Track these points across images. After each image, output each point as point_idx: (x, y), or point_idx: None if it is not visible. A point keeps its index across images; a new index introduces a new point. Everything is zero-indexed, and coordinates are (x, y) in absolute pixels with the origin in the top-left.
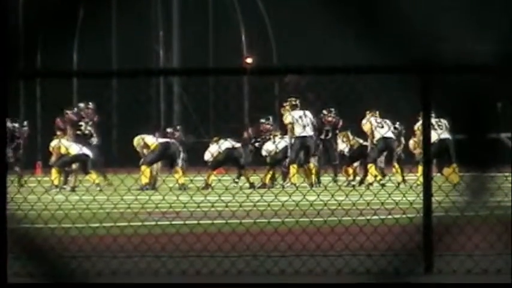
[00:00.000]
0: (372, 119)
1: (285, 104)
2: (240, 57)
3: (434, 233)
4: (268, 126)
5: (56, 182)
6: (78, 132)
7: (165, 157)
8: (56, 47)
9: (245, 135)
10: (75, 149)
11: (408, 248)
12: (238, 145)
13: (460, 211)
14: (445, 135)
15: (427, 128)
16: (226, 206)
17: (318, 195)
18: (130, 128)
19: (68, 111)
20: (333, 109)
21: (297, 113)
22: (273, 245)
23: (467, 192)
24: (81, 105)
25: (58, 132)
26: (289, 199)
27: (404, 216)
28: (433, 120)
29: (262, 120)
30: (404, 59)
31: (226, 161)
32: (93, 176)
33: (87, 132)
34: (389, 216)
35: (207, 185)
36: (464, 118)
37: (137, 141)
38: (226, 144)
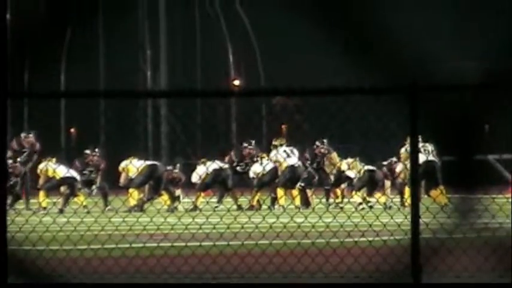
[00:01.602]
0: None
1: (274, 143)
2: (227, 78)
3: (422, 255)
4: (250, 151)
5: (43, 205)
6: (83, 177)
7: (153, 179)
8: (44, 68)
9: (226, 159)
10: (62, 171)
11: (396, 269)
12: (225, 166)
13: (448, 233)
14: (431, 158)
15: (415, 149)
16: (214, 228)
17: (306, 217)
18: (117, 150)
19: (27, 135)
20: (325, 140)
21: (282, 149)
22: (261, 266)
23: (455, 214)
24: (87, 151)
25: (9, 153)
26: (277, 221)
27: (392, 238)
28: (419, 145)
29: (245, 145)
30: (393, 80)
31: (214, 182)
32: (81, 198)
33: (91, 178)
34: (377, 238)
35: (195, 207)
36: (452, 139)
37: (124, 167)
38: (213, 165)
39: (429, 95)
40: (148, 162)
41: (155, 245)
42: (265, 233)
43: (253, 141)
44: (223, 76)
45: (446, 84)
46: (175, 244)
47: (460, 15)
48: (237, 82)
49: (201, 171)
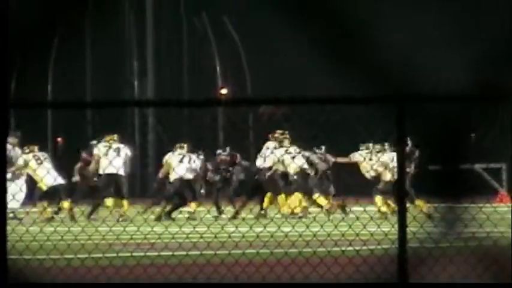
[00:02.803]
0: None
1: (271, 136)
2: (214, 87)
3: (409, 264)
4: (224, 157)
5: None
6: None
7: (112, 188)
8: (30, 76)
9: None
10: (49, 180)
11: (383, 278)
12: (190, 177)
13: (435, 242)
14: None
15: (401, 157)
16: (201, 237)
17: (293, 226)
18: None
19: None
20: (323, 146)
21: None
22: (247, 275)
23: (441, 223)
24: (94, 142)
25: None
26: (264, 230)
27: (379, 247)
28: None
29: (219, 151)
30: (381, 89)
31: (176, 192)
32: (65, 205)
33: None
34: (364, 247)
35: (159, 217)
36: (438, 149)
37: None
38: (180, 171)
39: (416, 105)
40: (106, 172)
41: (142, 254)
42: (252, 242)
43: (228, 148)
44: (211, 86)
45: (434, 95)
46: (162, 253)
47: (451, 24)
48: (224, 91)
49: (170, 157)
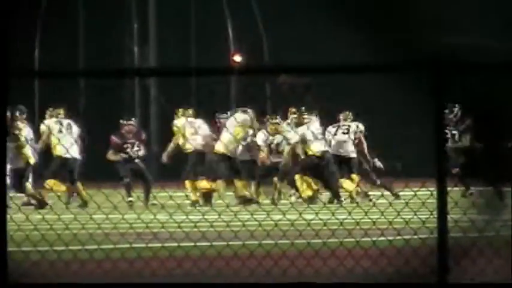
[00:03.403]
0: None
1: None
2: (226, 53)
3: (450, 256)
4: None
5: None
6: (124, 155)
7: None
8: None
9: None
10: (33, 156)
11: (420, 274)
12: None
13: (480, 231)
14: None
15: (439, 131)
16: (211, 226)
17: (317, 214)
18: (100, 135)
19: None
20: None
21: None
22: (264, 269)
23: (487, 209)
24: (122, 121)
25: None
26: (283, 218)
27: (415, 237)
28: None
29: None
30: (414, 55)
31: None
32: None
33: (134, 155)
34: (399, 237)
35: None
36: (478, 124)
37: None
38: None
39: (454, 75)
40: (66, 155)
41: (143, 245)
42: (270, 231)
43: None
44: (223, 52)
45: (476, 63)
46: (166, 244)
47: None
48: (237, 58)
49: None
